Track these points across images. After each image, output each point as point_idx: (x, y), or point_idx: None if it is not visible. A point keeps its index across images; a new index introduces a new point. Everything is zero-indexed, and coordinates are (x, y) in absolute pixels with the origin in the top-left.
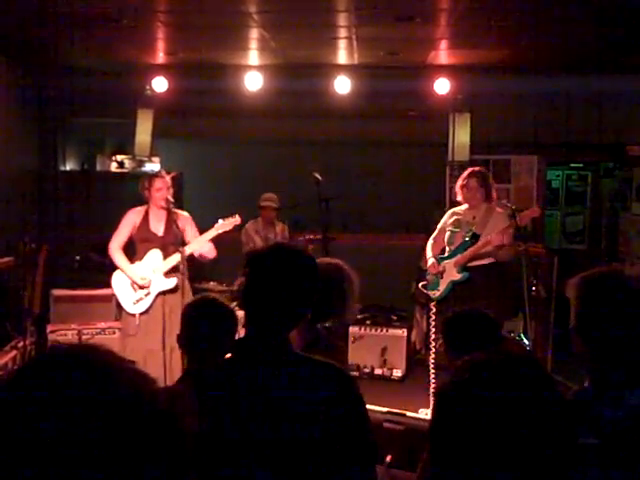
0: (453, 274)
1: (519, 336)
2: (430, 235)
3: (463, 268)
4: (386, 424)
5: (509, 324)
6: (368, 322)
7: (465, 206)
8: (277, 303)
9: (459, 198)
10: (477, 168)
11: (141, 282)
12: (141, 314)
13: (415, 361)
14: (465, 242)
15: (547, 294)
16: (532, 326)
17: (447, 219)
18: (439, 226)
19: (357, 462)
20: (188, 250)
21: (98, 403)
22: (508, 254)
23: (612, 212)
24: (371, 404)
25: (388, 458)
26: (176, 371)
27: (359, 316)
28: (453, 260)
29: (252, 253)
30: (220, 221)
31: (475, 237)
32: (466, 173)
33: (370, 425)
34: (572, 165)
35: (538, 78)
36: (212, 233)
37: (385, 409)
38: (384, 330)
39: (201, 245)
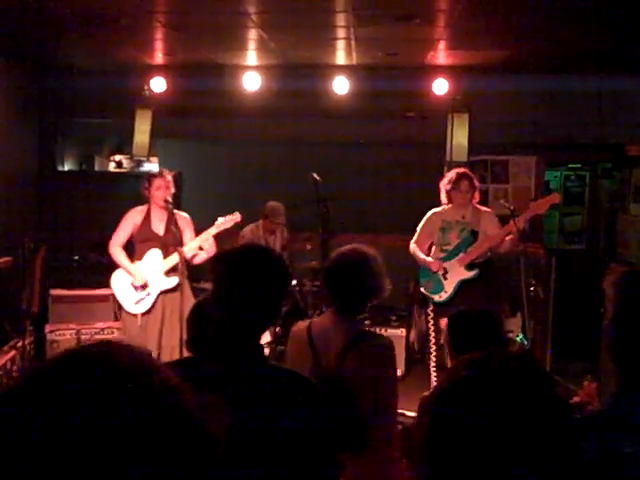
0: (461, 273)
1: (518, 336)
2: None
3: (471, 265)
4: None
5: (508, 324)
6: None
7: (444, 207)
8: (246, 304)
9: (444, 199)
10: (463, 170)
11: (139, 281)
12: (143, 314)
13: (414, 361)
14: (466, 239)
15: (545, 294)
16: (531, 326)
17: (431, 221)
18: (420, 228)
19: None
20: (187, 249)
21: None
22: (511, 246)
23: (610, 212)
24: None
25: None
26: None
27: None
28: (456, 259)
29: (219, 254)
30: (220, 219)
31: (474, 234)
32: (454, 175)
33: (334, 440)
34: (570, 165)
35: (537, 78)
36: (212, 231)
37: None
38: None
39: (200, 244)
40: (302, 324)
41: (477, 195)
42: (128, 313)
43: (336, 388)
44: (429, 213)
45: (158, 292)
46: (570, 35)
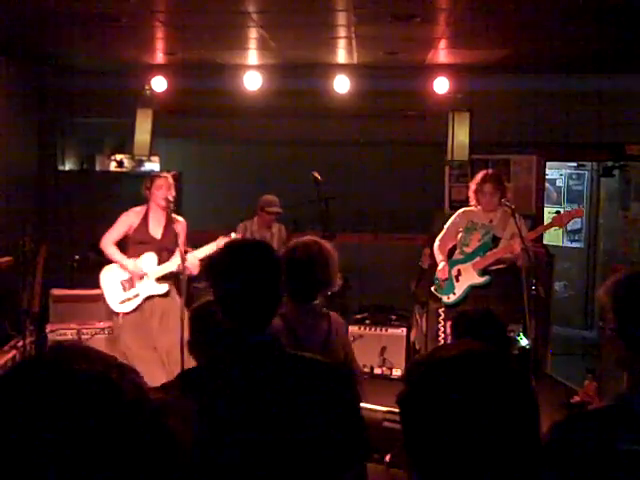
0: (473, 277)
1: (519, 335)
2: (430, 234)
3: (484, 271)
4: (386, 423)
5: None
6: (367, 322)
7: (476, 207)
8: (243, 296)
9: (472, 203)
10: (490, 171)
11: (137, 271)
12: (125, 314)
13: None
14: (485, 244)
15: (546, 293)
16: (532, 325)
17: (458, 219)
18: (447, 226)
19: (349, 460)
20: (190, 257)
21: (82, 410)
22: (526, 259)
23: (611, 211)
24: (371, 403)
25: (387, 457)
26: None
27: (358, 316)
28: (471, 263)
29: (206, 260)
30: (221, 238)
31: (495, 239)
32: (479, 177)
33: (363, 422)
34: (571, 164)
35: (538, 77)
36: (211, 247)
37: (385, 408)
38: (383, 330)
39: (201, 257)
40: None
41: (509, 196)
42: (112, 312)
43: None
44: (459, 211)
45: (146, 296)
46: (571, 35)
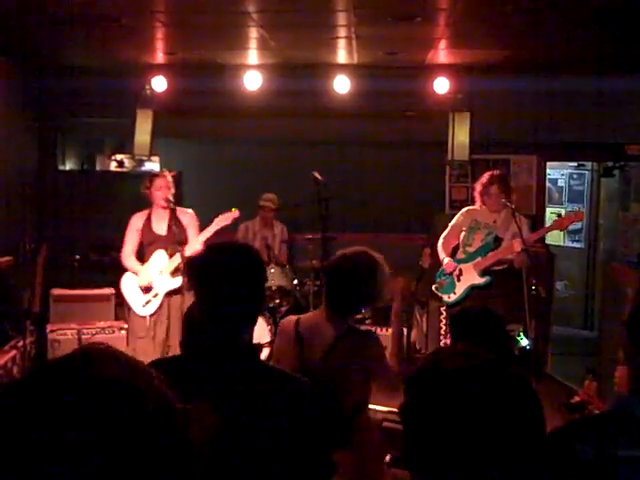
0: (474, 277)
1: (519, 335)
2: (430, 235)
3: (484, 272)
4: (385, 423)
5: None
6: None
7: (480, 206)
8: (219, 300)
9: (477, 204)
10: (496, 172)
11: (143, 281)
12: (151, 315)
13: (415, 361)
14: (487, 244)
15: (547, 293)
16: (532, 325)
17: (462, 218)
18: (451, 225)
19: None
20: (188, 250)
21: (102, 410)
22: (524, 260)
23: (611, 211)
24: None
25: (387, 457)
26: None
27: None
28: (473, 263)
29: (188, 259)
30: (220, 217)
31: (497, 240)
32: (485, 179)
33: (326, 442)
34: (571, 164)
35: (538, 78)
36: (212, 229)
37: (385, 408)
38: (383, 329)
39: (200, 243)
40: (291, 318)
41: (513, 198)
42: (136, 315)
43: (320, 383)
44: (463, 210)
45: (165, 292)
46: (570, 35)
